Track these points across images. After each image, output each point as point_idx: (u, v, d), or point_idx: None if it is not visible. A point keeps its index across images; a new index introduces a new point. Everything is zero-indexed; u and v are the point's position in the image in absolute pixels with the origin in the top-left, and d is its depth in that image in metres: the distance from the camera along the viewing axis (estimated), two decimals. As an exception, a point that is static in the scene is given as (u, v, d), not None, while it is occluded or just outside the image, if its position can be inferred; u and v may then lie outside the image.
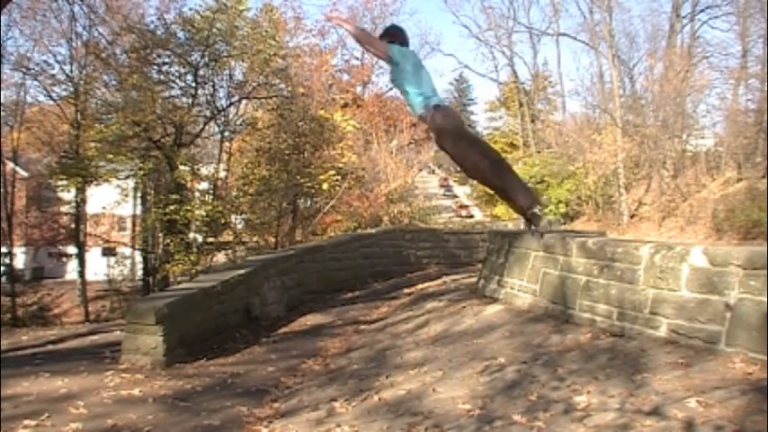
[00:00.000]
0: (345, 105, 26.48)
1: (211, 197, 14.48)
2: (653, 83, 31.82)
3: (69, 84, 18.84)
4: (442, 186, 60.20)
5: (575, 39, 41.89)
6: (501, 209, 44.11)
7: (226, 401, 3.96)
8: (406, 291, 8.81)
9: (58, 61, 20.02)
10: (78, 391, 4.08)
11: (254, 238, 14.92)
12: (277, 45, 14.02)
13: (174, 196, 12.52)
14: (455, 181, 66.41)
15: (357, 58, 44.77)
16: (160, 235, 13.97)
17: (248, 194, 14.57)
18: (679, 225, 25.68)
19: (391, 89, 44.92)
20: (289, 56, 15.80)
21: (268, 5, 18.61)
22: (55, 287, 25.18)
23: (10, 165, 24.43)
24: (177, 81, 13.56)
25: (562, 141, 36.97)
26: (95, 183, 14.52)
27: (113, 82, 14.17)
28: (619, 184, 29.80)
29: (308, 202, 16.55)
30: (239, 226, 15.06)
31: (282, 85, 14.68)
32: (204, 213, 12.96)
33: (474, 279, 7.72)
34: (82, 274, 22.08)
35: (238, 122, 15.75)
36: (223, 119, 14.78)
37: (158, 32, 13.23)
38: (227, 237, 14.47)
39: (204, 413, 3.70)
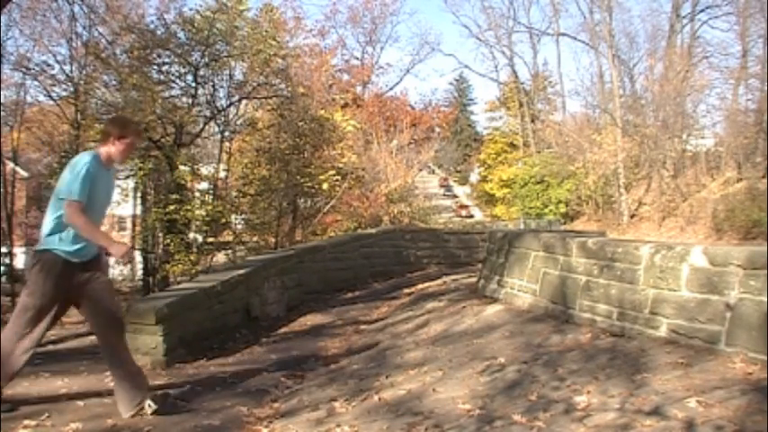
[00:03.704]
0: (345, 105, 26.49)
1: (211, 197, 14.48)
2: (653, 83, 31.88)
3: (69, 84, 18.81)
4: (441, 186, 60.26)
5: (575, 39, 42.12)
6: (501, 209, 44.19)
7: (226, 401, 3.96)
8: (406, 291, 8.82)
9: (57, 61, 19.98)
10: (78, 391, 4.07)
11: (254, 238, 14.91)
12: (277, 45, 14.01)
13: (174, 196, 12.51)
14: (455, 181, 66.47)
15: (357, 58, 44.88)
16: (160, 235, 13.95)
17: (248, 194, 14.57)
18: (679, 225, 25.71)
19: (391, 89, 45.06)
20: (289, 56, 15.78)
21: (268, 5, 18.65)
22: (55, 287, 25.16)
23: (10, 165, 24.42)
24: (177, 81, 13.57)
25: (562, 141, 37.02)
26: (95, 183, 14.51)
27: (113, 82, 14.17)
28: (619, 184, 29.83)
29: (308, 202, 16.53)
30: (239, 226, 15.05)
31: (282, 85, 14.67)
32: (204, 213, 12.95)
33: (474, 279, 7.73)
34: (82, 274, 22.06)
35: (238, 122, 15.75)
36: (223, 119, 14.78)
37: (158, 32, 13.23)
38: (227, 237, 14.47)
39: (204, 413, 3.70)
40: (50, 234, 3.51)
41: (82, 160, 3.55)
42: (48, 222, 3.53)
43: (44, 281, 3.46)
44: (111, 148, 3.67)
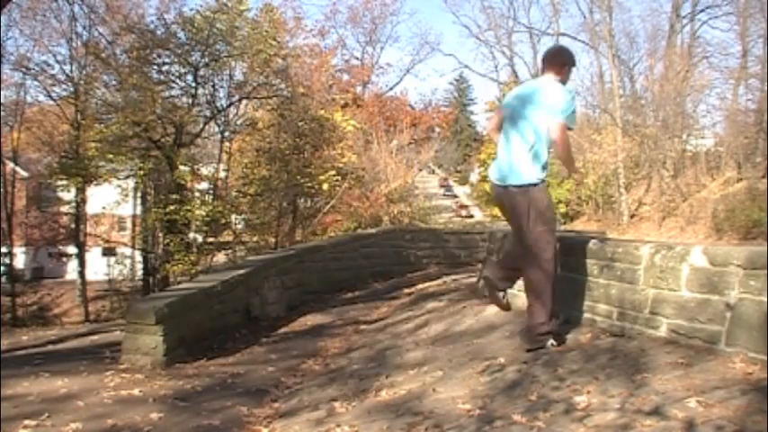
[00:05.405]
0: (345, 105, 26.44)
1: (211, 197, 14.50)
2: (653, 83, 31.83)
3: (69, 84, 18.87)
4: (441, 186, 60.21)
5: (575, 39, 41.90)
6: (501, 209, 44.14)
7: (226, 401, 3.96)
8: (407, 291, 8.81)
9: (58, 61, 20.06)
10: (78, 391, 4.07)
11: (254, 238, 14.93)
12: (277, 45, 14.03)
13: (174, 196, 12.53)
14: (455, 181, 66.44)
15: (357, 58, 44.84)
16: (160, 235, 13.99)
17: (248, 194, 14.58)
18: (679, 225, 25.68)
19: (391, 89, 45.02)
20: (289, 56, 15.79)
21: (268, 5, 18.66)
22: (55, 287, 25.18)
23: (10, 165, 24.44)
24: (177, 81, 13.58)
25: (562, 141, 36.90)
26: (95, 183, 14.54)
27: (113, 82, 14.19)
28: (619, 184, 29.79)
29: (308, 202, 16.55)
30: (239, 226, 15.06)
31: (282, 85, 14.68)
32: (204, 213, 12.97)
33: (474, 279, 7.72)
34: (82, 274, 22.11)
35: (238, 122, 15.77)
36: (223, 119, 14.80)
37: (158, 32, 13.26)
38: (227, 237, 14.49)
39: (204, 413, 3.70)
40: (533, 164, 3.58)
41: (563, 87, 3.55)
42: (523, 151, 3.59)
43: (550, 207, 3.68)
44: (562, 77, 3.65)
